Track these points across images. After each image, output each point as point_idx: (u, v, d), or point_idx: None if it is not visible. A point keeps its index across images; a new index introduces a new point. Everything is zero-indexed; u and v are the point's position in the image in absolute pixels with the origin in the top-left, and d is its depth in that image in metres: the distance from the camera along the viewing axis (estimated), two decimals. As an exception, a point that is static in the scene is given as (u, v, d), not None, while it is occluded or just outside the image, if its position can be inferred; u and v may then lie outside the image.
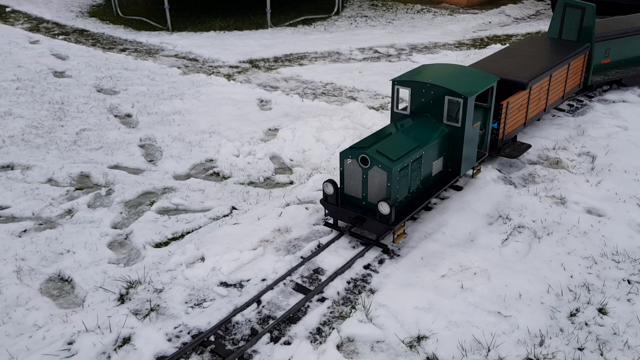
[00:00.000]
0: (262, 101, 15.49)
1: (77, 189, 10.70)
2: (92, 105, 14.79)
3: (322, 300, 7.50)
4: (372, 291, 7.68)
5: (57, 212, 9.83)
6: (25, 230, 9.28)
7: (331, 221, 8.83)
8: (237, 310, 7.21)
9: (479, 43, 20.71)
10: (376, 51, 20.00)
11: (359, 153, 7.92)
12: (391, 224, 7.88)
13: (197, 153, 12.26)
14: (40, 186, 10.67)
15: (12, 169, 11.34)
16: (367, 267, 8.13)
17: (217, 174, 11.50)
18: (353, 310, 7.29)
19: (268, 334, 6.88)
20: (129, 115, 14.41)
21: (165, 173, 11.35)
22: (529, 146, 11.36)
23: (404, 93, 9.43)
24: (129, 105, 14.86)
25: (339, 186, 8.49)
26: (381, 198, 7.94)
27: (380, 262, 8.21)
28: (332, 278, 7.81)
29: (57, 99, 15.11)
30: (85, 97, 15.40)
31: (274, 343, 6.79)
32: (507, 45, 14.39)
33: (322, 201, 8.63)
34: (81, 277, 8.05)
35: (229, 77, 17.50)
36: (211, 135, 13.14)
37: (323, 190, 8.45)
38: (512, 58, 11.89)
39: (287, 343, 6.78)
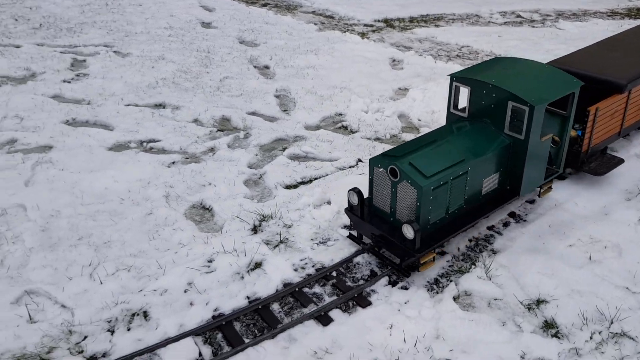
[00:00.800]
0: (394, 61, 15.53)
1: (218, 130, 11.61)
2: (235, 56, 15.73)
3: (442, 254, 7.64)
4: (494, 252, 7.68)
5: (201, 149, 10.78)
6: (173, 162, 10.30)
7: (356, 233, 7.75)
8: (359, 252, 7.58)
9: (635, 13, 18.95)
10: (519, 15, 19.06)
11: (389, 163, 6.82)
12: (415, 251, 6.70)
13: (327, 106, 12.68)
14: (188, 125, 11.71)
15: (163, 108, 12.53)
16: (490, 228, 8.11)
17: (345, 128, 11.86)
18: (473, 267, 7.37)
19: (387, 277, 7.18)
20: (267, 67, 15.16)
21: (297, 123, 11.91)
22: (621, 161, 9.10)
23: (465, 92, 7.88)
24: (267, 57, 15.61)
25: (368, 195, 7.42)
26: (409, 218, 6.85)
27: (505, 224, 8.14)
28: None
29: (204, 47, 16.24)
30: (228, 47, 16.40)
31: (392, 286, 7.08)
32: (613, 34, 11.56)
33: (346, 210, 7.54)
34: (220, 207, 8.86)
35: (363, 35, 17.67)
36: (342, 90, 13.49)
37: (348, 199, 7.41)
38: (613, 52, 9.79)
39: (405, 288, 7.04)
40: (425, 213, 6.82)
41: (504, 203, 7.66)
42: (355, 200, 7.26)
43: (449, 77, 7.89)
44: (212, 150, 10.79)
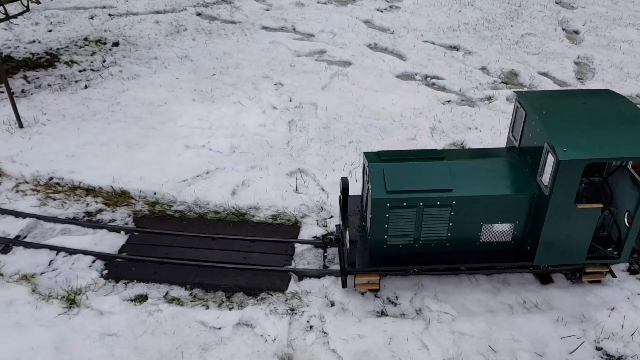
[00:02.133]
0: None
1: (502, 82, 11.56)
2: (545, 14, 15.03)
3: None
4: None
5: (479, 95, 10.95)
6: (449, 101, 10.74)
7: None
8: None
9: None
10: None
11: (368, 162, 6.08)
12: (349, 263, 6.08)
13: (630, 84, 11.44)
14: (474, 71, 11.91)
15: (457, 50, 12.90)
16: None
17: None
18: None
19: (627, 264, 6.67)
20: (576, 32, 14.16)
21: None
22: None
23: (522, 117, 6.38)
24: (580, 22, 14.53)
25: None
26: (358, 227, 6.15)
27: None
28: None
29: (516, 1, 15.86)
30: (542, 5, 15.70)
31: (630, 274, 6.57)
32: None
33: (339, 197, 6.80)
34: (478, 151, 9.06)
35: None
36: None
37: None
38: None
39: (645, 284, 6.47)
40: (378, 229, 6.03)
41: (515, 262, 6.28)
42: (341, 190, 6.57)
43: (515, 92, 6.51)
44: (489, 99, 10.87)
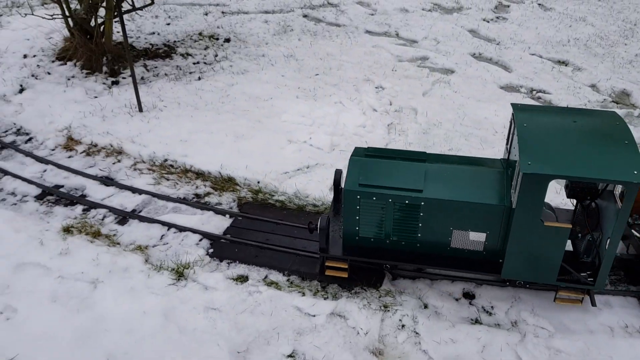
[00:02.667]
0: None
1: (612, 102, 11.07)
2: (665, 34, 14.22)
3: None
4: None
5: (587, 113, 10.57)
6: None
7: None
8: None
9: None
10: None
11: (353, 155, 6.37)
12: (320, 250, 6.40)
13: None
14: (583, 87, 11.49)
15: (565, 65, 12.50)
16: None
17: None
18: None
19: None
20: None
21: None
22: None
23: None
24: None
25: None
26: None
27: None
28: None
29: (632, 19, 15.09)
30: (661, 23, 14.86)
31: None
32: None
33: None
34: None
35: None
36: None
37: None
38: None
39: None
40: (350, 220, 6.28)
41: (483, 273, 6.25)
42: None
43: (512, 105, 6.28)
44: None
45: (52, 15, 10.78)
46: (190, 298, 6.37)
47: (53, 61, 11.65)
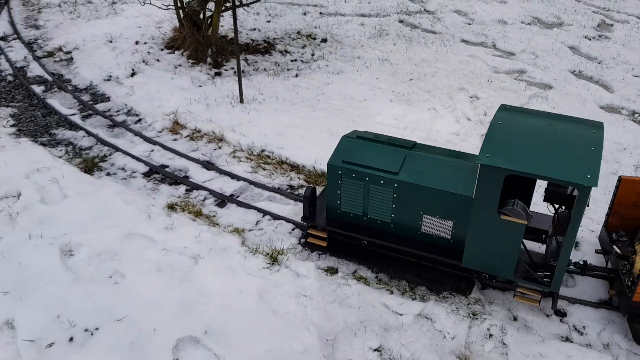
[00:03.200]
0: None
1: None
2: None
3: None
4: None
5: (695, 140, 10.08)
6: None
7: None
8: None
9: None
10: None
11: (345, 136, 6.94)
12: (302, 218, 7.13)
13: None
14: (692, 113, 10.97)
15: (673, 90, 11.94)
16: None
17: None
18: None
19: None
20: None
21: None
22: None
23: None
24: None
25: None
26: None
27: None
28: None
29: None
30: None
31: None
32: None
33: None
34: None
35: None
36: None
37: None
38: None
39: None
40: (333, 194, 6.82)
41: (447, 259, 6.43)
42: None
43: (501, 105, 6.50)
44: None
45: (167, 6, 11.47)
46: (283, 283, 6.64)
47: (162, 49, 12.38)
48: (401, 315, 6.34)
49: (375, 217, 6.77)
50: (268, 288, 6.55)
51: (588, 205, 5.78)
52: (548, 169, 5.41)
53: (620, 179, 6.45)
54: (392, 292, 6.64)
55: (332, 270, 6.95)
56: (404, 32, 14.24)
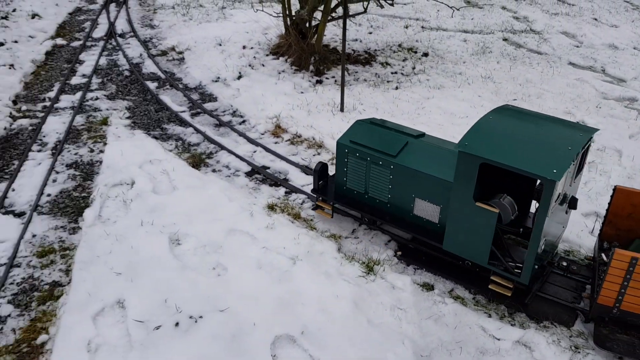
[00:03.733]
0: None
1: None
2: None
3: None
4: None
5: None
6: None
7: None
8: None
9: None
10: None
11: (361, 120, 7.52)
12: (312, 190, 7.77)
13: None
14: None
15: None
16: None
17: None
18: None
19: None
20: None
21: None
22: None
23: None
24: None
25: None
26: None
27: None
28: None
29: None
30: None
31: None
32: None
33: None
34: None
35: None
36: None
37: None
38: None
39: None
40: (340, 171, 7.38)
41: (433, 241, 6.80)
42: None
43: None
44: None
45: (277, 13, 11.87)
46: (378, 293, 6.66)
47: (267, 54, 12.81)
48: (499, 340, 6.18)
49: (375, 196, 7.29)
50: (364, 296, 6.59)
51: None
52: (518, 160, 5.66)
53: (615, 189, 6.45)
54: (490, 316, 6.49)
55: (428, 287, 6.90)
56: (508, 50, 13.93)
